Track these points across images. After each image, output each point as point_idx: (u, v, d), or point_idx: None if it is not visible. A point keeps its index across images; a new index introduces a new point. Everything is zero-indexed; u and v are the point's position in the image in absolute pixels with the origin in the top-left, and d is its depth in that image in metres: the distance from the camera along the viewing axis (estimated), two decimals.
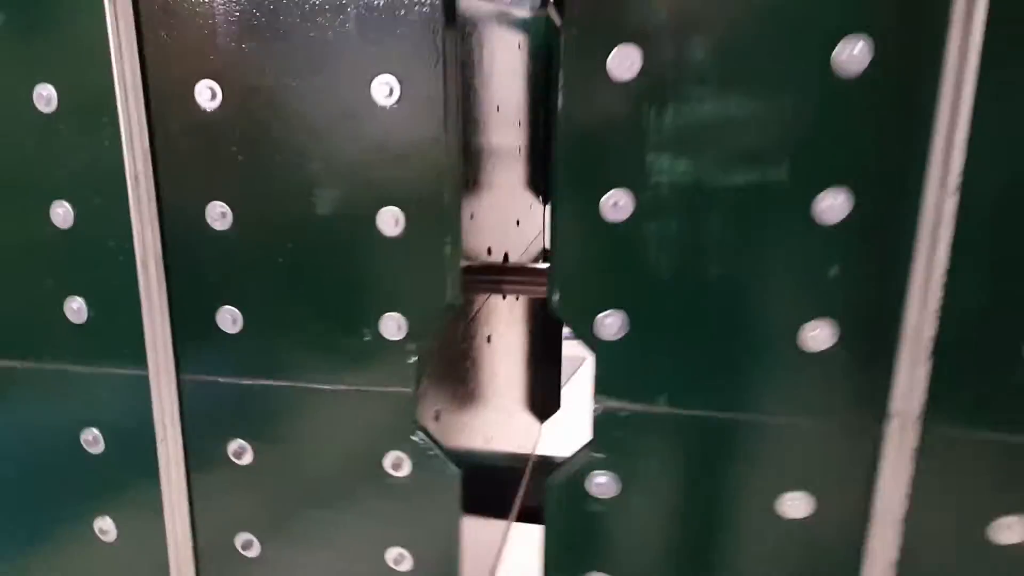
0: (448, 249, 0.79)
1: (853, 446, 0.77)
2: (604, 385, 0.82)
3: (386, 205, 0.79)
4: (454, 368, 1.08)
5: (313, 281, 0.83)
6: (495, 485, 1.26)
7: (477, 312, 1.18)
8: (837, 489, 0.79)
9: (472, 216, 1.02)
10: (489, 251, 1.17)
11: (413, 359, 0.84)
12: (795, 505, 0.81)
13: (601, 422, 0.83)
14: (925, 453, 0.74)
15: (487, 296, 1.26)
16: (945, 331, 0.70)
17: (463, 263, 0.98)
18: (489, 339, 1.31)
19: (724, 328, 0.77)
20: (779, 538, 0.82)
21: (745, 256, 0.74)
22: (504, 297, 1.41)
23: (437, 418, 0.98)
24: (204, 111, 0.81)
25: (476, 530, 1.13)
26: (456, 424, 1.07)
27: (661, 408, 0.81)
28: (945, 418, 0.73)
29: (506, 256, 1.29)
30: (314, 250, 0.82)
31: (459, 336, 1.10)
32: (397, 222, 0.79)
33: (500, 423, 1.35)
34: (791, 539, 0.82)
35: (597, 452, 0.84)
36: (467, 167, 0.83)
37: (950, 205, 0.64)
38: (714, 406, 0.80)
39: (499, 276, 1.16)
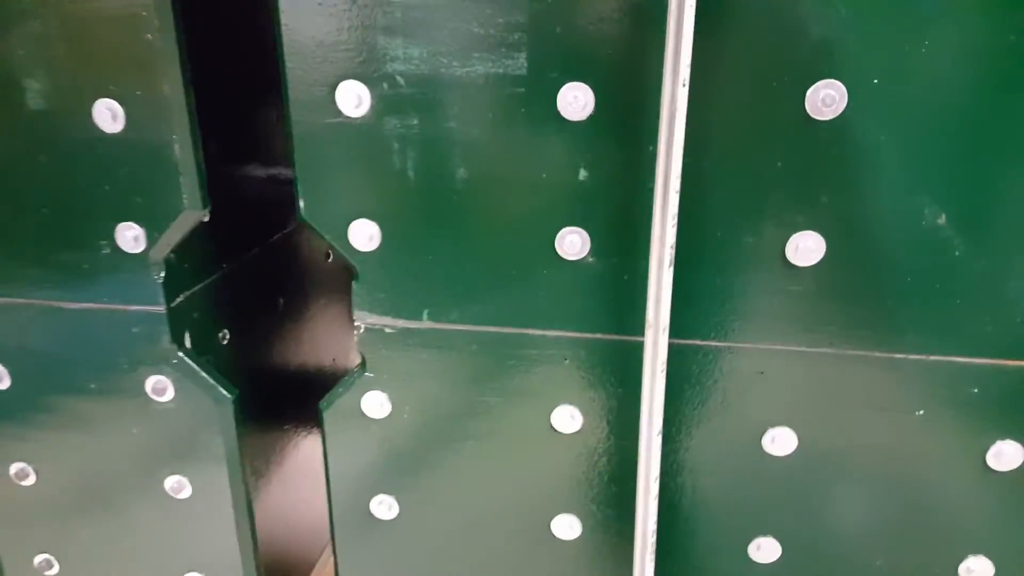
0: (178, 149, 0.71)
1: (615, 359, 0.74)
2: (365, 301, 0.76)
3: (101, 97, 0.70)
4: (250, 290, 1.01)
5: (38, 187, 0.75)
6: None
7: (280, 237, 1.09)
8: (604, 403, 0.76)
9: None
10: None
11: (160, 274, 0.77)
12: (565, 421, 0.78)
13: (367, 340, 0.78)
14: (678, 364, 0.71)
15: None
16: (685, 237, 0.65)
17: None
18: (305, 262, 1.22)
19: (481, 235, 0.72)
20: (554, 451, 0.79)
21: (495, 155, 0.68)
22: None
23: (224, 340, 0.92)
24: None
25: (299, 443, 1.09)
26: (257, 345, 1.01)
27: (424, 323, 0.76)
28: (696, 329, 0.70)
29: None
30: (32, 151, 0.73)
31: (253, 260, 1.02)
32: (115, 117, 0.70)
33: (312, 343, 1.28)
34: (564, 452, 0.79)
35: (367, 371, 0.79)
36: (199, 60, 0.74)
37: (683, 95, 0.59)
38: (478, 320, 0.75)
39: None
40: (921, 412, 0.72)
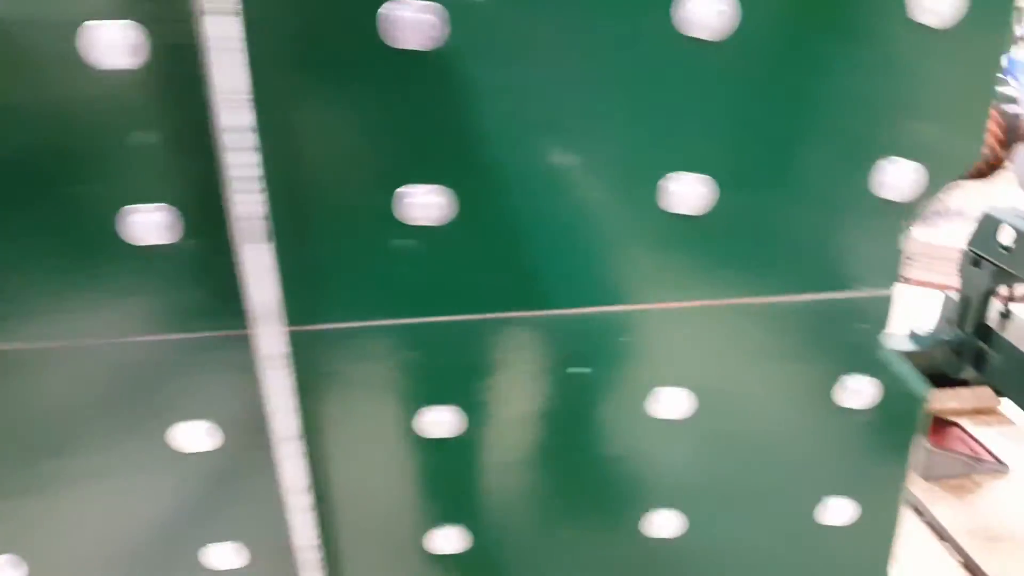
0: None
1: (232, 358, 0.62)
2: None
3: None
4: None
5: None
6: None
7: None
8: (228, 415, 0.64)
9: None
10: None
11: None
12: (195, 439, 0.65)
13: None
14: (300, 357, 0.61)
15: None
16: (279, 208, 0.55)
17: None
18: None
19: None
20: (183, 474, 0.66)
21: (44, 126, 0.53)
22: None
23: None
24: None
25: None
26: None
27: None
28: (310, 313, 0.60)
29: None
30: None
31: None
32: None
33: None
34: (194, 474, 0.66)
35: None
36: None
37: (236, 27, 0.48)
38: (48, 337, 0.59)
39: None
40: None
